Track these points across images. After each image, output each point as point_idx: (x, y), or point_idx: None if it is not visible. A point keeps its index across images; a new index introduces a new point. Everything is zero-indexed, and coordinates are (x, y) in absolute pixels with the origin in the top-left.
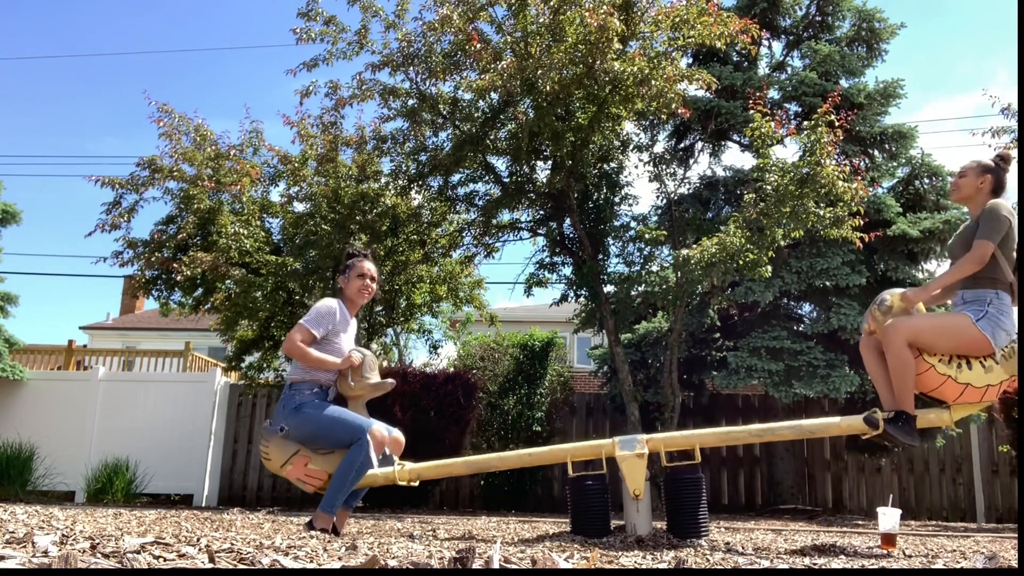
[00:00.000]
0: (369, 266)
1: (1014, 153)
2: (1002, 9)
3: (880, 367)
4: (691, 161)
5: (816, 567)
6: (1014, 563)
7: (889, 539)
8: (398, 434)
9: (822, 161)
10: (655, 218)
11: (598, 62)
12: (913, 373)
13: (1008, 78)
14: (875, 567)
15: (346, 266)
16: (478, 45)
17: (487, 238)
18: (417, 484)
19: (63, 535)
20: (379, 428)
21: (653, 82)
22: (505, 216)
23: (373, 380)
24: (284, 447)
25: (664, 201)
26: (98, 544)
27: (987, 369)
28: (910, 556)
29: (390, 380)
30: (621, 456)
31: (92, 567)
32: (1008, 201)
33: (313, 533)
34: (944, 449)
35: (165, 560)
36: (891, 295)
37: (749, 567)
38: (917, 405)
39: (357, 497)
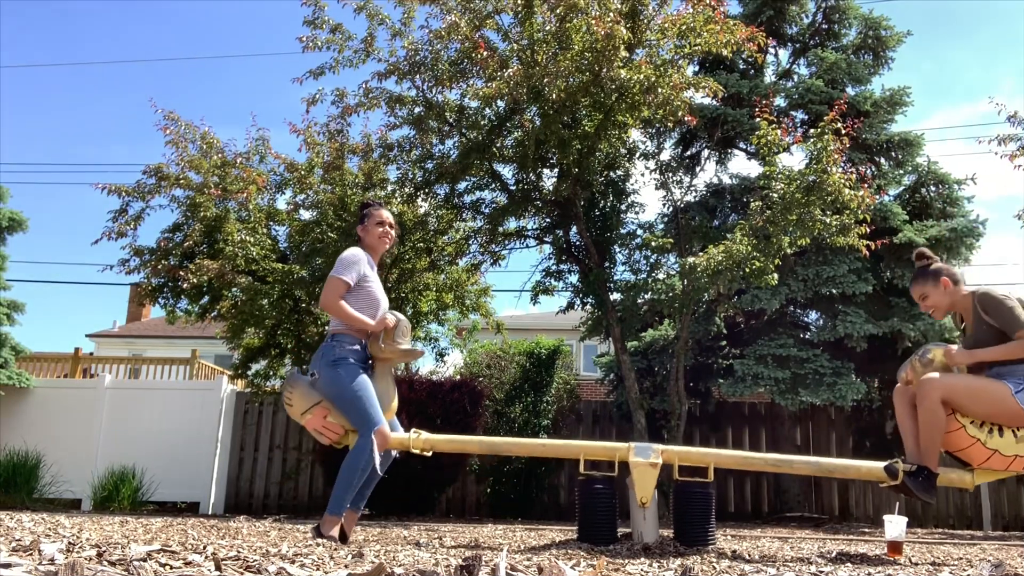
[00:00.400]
0: (386, 213)
1: (925, 250)
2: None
3: (910, 418)
4: (697, 169)
5: (823, 575)
6: (1020, 571)
7: (895, 547)
8: (401, 432)
9: (828, 169)
10: (661, 226)
11: (604, 70)
12: (943, 431)
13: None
14: (882, 575)
15: (364, 215)
16: (484, 53)
17: (493, 246)
18: (430, 454)
19: (69, 543)
20: (386, 428)
21: (659, 90)
22: (511, 224)
23: (404, 346)
24: (308, 395)
25: (670, 209)
26: (104, 552)
27: (1019, 440)
28: (916, 564)
29: (420, 347)
30: (635, 462)
31: (99, 575)
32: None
33: (319, 541)
34: (950, 457)
35: (171, 568)
36: (935, 349)
37: (756, 575)
38: (940, 462)
39: (364, 499)
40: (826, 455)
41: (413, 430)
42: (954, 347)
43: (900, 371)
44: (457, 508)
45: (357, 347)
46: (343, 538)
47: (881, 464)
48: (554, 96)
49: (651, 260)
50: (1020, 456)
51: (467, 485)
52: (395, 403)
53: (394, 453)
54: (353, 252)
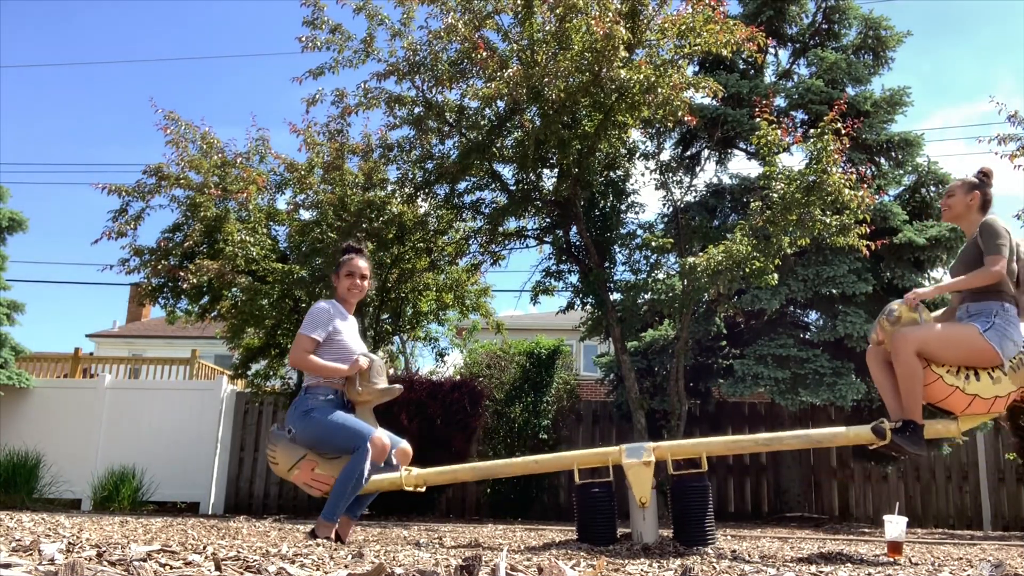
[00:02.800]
0: (360, 264)
1: (991, 169)
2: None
3: (887, 377)
4: (697, 169)
5: (822, 575)
6: (1020, 571)
7: (895, 547)
8: (405, 445)
9: (828, 169)
10: (661, 226)
11: (604, 70)
12: (921, 382)
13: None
14: (882, 575)
15: (338, 263)
16: (484, 53)
17: (493, 246)
18: (424, 490)
19: (69, 543)
20: (381, 435)
21: (659, 90)
22: (511, 224)
23: (381, 385)
24: (291, 451)
25: (670, 209)
26: (104, 552)
27: (995, 380)
28: (916, 564)
29: (398, 386)
30: (628, 464)
31: (99, 575)
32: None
33: (320, 541)
34: (950, 457)
35: (171, 568)
36: (899, 305)
37: (755, 575)
38: (924, 416)
39: (361, 506)
40: (826, 454)
41: (404, 468)
42: (915, 290)
43: (870, 333)
44: (457, 508)
45: (331, 396)
46: (338, 543)
47: (867, 427)
48: (554, 96)
49: (651, 260)
50: (1000, 396)
51: (467, 485)
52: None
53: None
54: (319, 307)
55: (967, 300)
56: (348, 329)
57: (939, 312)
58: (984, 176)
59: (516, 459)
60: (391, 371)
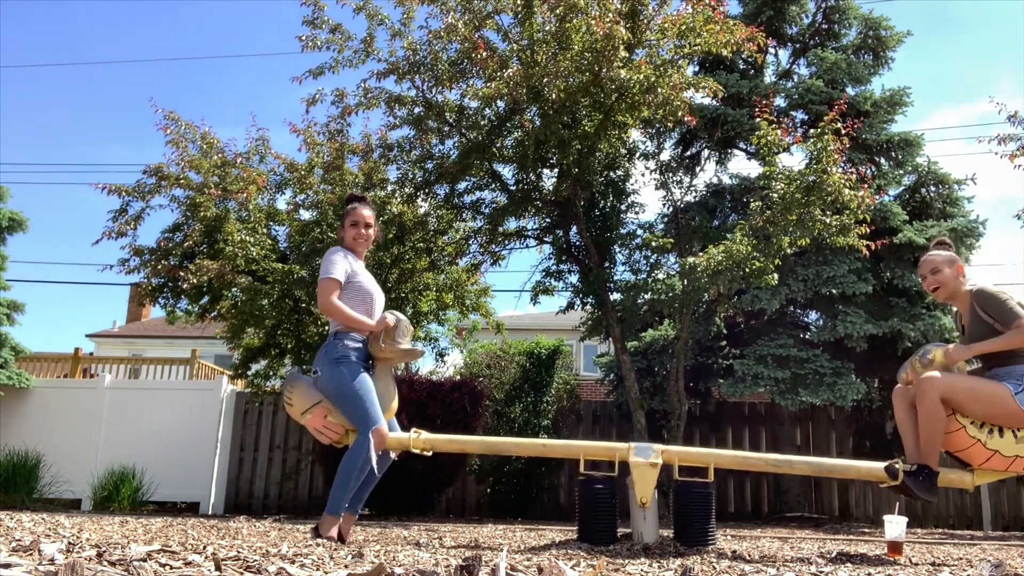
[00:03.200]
0: (364, 212)
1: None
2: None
3: (909, 419)
4: (697, 169)
5: (822, 575)
6: (1020, 571)
7: (896, 547)
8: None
9: (828, 169)
10: (661, 226)
11: (604, 70)
12: (943, 430)
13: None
14: (882, 575)
15: (342, 215)
16: (484, 53)
17: (493, 246)
18: (430, 454)
19: (69, 543)
20: (384, 428)
21: (659, 90)
22: (511, 224)
23: (404, 346)
24: (308, 394)
25: (670, 209)
26: (104, 552)
27: (1019, 440)
28: (916, 564)
29: (420, 348)
30: (634, 462)
31: (99, 575)
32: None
33: (319, 541)
34: (950, 457)
35: (171, 568)
36: (935, 349)
37: (756, 575)
38: (940, 462)
39: (361, 501)
40: (826, 455)
41: (413, 430)
42: (952, 346)
43: (900, 371)
44: (457, 508)
45: (360, 344)
46: (340, 540)
47: (881, 464)
48: (554, 96)
49: (651, 260)
50: (1020, 457)
51: (467, 485)
52: (395, 403)
53: (392, 455)
54: (332, 251)
55: (993, 365)
56: (364, 275)
57: (969, 369)
58: (949, 245)
59: (524, 439)
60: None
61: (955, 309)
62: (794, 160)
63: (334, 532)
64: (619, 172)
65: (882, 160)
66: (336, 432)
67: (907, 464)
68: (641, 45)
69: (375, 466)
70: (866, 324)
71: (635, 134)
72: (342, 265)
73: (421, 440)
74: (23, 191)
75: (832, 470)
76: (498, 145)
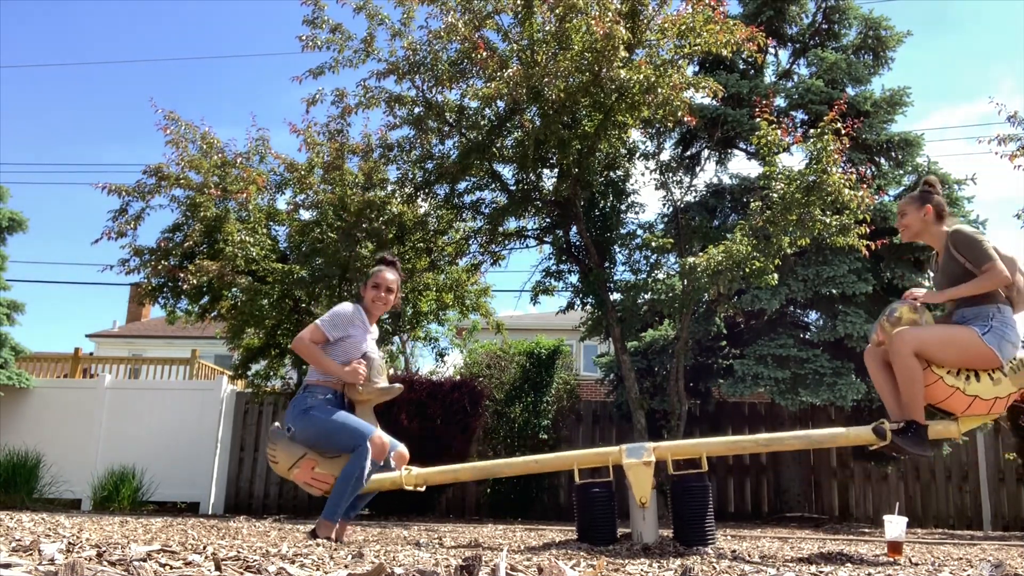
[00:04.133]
0: (388, 276)
1: (934, 178)
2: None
3: (886, 378)
4: (697, 169)
5: (822, 575)
6: (1020, 571)
7: (895, 547)
8: (403, 449)
9: (828, 169)
10: (661, 226)
11: (604, 70)
12: (922, 382)
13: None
14: (882, 575)
15: (368, 273)
16: (484, 53)
17: (493, 246)
18: (424, 489)
19: (69, 543)
20: (380, 435)
21: (659, 90)
22: (511, 224)
23: (381, 385)
24: (291, 450)
25: (670, 209)
26: (104, 552)
27: (995, 382)
28: (916, 564)
29: (398, 385)
30: (628, 464)
31: (99, 575)
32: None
33: (319, 541)
34: (950, 457)
35: (171, 568)
36: (901, 305)
37: (755, 575)
38: (880, 375)
39: (357, 508)
40: (826, 454)
41: (404, 467)
42: (919, 291)
43: (870, 333)
44: (457, 508)
45: (330, 396)
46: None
47: (868, 428)
48: (554, 96)
49: (651, 260)
50: (1000, 398)
51: (467, 485)
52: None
53: (393, 463)
54: (345, 309)
55: (961, 306)
56: (366, 338)
57: (938, 316)
58: (929, 187)
59: (516, 459)
60: (391, 371)
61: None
62: (794, 160)
63: (331, 536)
64: (619, 172)
65: (882, 160)
66: (326, 482)
67: (893, 423)
68: (641, 45)
69: (367, 467)
70: (866, 324)
71: (635, 134)
72: (342, 328)
73: (413, 476)
74: (23, 191)
75: (822, 440)
76: (498, 145)
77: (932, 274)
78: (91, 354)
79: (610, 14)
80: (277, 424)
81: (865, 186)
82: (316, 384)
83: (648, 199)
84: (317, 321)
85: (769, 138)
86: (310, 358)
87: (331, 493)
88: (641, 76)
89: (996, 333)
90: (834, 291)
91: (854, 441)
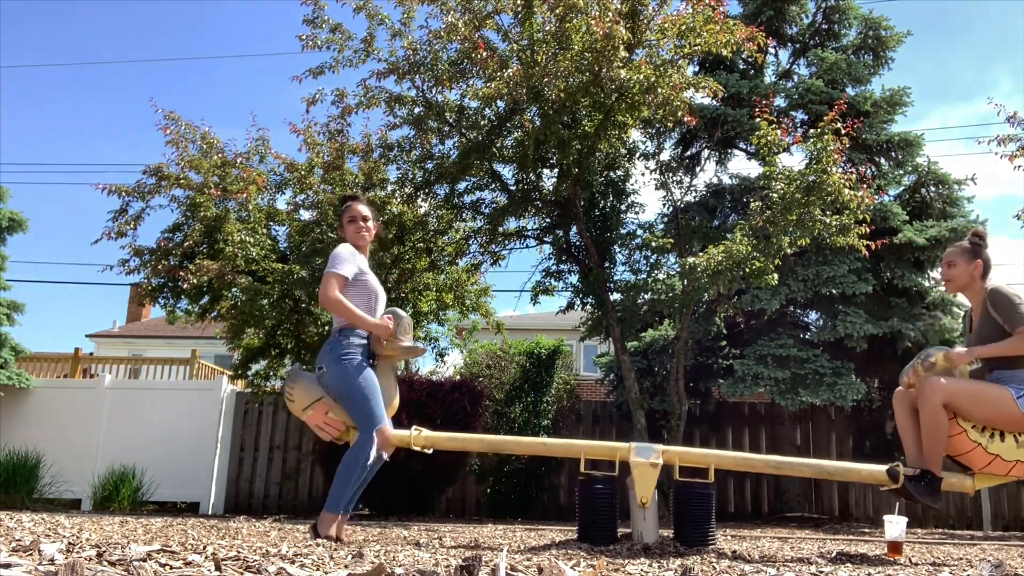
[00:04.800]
0: (360, 208)
1: (983, 230)
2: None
3: (911, 423)
4: (697, 169)
5: (822, 575)
6: (1020, 571)
7: (895, 547)
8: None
9: (828, 169)
10: (661, 226)
11: (604, 70)
12: (946, 434)
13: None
14: (882, 575)
15: (340, 212)
16: (484, 53)
17: (493, 246)
18: (431, 452)
19: (69, 543)
20: (388, 427)
21: (659, 90)
22: (511, 224)
23: (406, 343)
24: (309, 391)
25: (670, 209)
26: (104, 552)
27: (1020, 445)
28: (916, 564)
29: (422, 345)
30: (635, 462)
31: (99, 575)
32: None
33: (319, 541)
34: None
35: (171, 568)
36: (937, 352)
37: (755, 575)
38: (906, 420)
39: (353, 502)
40: (826, 455)
41: (414, 427)
42: (955, 349)
43: (902, 375)
44: (457, 508)
45: (365, 341)
46: (337, 540)
47: (883, 468)
48: (554, 96)
49: (651, 260)
50: (1021, 461)
51: (467, 485)
52: (396, 401)
53: (384, 456)
54: (344, 247)
55: (996, 368)
56: (370, 274)
57: (971, 369)
58: (980, 239)
59: (526, 438)
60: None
61: (967, 305)
62: (794, 160)
63: (333, 530)
64: (619, 172)
65: (882, 160)
66: (337, 428)
67: (909, 468)
68: (641, 45)
69: (372, 456)
70: (866, 324)
71: (635, 134)
72: (351, 261)
73: (422, 438)
74: (23, 191)
75: (833, 473)
76: (498, 145)
77: (966, 331)
78: (91, 354)
79: (610, 14)
80: (297, 365)
81: (865, 186)
82: (350, 327)
83: (648, 199)
84: (329, 269)
85: (769, 138)
86: (340, 310)
87: (333, 485)
88: (641, 76)
89: None
90: (834, 291)
91: (866, 479)
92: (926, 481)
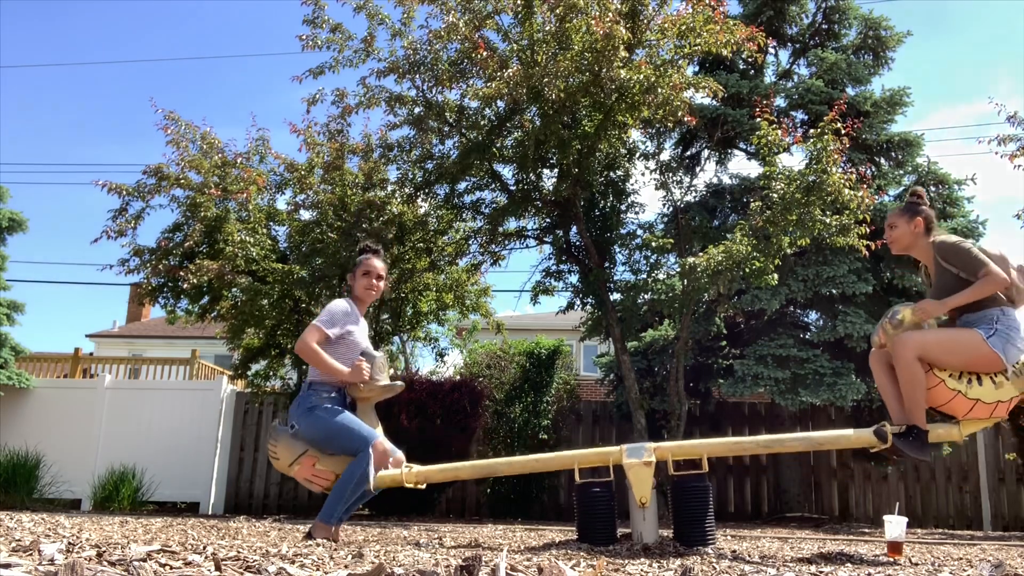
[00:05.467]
0: (376, 264)
1: (921, 189)
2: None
3: (890, 381)
4: (697, 169)
5: (822, 575)
6: (1020, 571)
7: (895, 547)
8: (400, 456)
9: (828, 169)
10: (661, 226)
11: (604, 70)
12: (924, 387)
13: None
14: (882, 575)
15: (355, 263)
16: (484, 53)
17: (493, 246)
18: (424, 487)
19: (69, 543)
20: (382, 441)
21: (659, 90)
22: (511, 224)
23: (383, 382)
24: (292, 446)
25: (670, 209)
26: (104, 552)
27: (997, 385)
28: (916, 564)
29: (399, 383)
30: (628, 464)
31: (99, 575)
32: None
33: (319, 541)
34: (950, 457)
35: (171, 568)
36: (904, 308)
37: (755, 575)
38: (884, 378)
39: (349, 513)
40: (826, 455)
41: (404, 465)
42: (926, 301)
43: (872, 335)
44: (457, 508)
45: (335, 394)
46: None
47: (869, 430)
48: (554, 96)
49: (651, 260)
50: (1002, 401)
51: (467, 485)
52: (379, 431)
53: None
54: (339, 304)
55: (963, 313)
56: (359, 332)
57: (940, 322)
58: (918, 198)
59: (517, 457)
60: (391, 371)
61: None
62: (794, 160)
63: (327, 538)
64: (619, 172)
65: (882, 160)
66: (327, 479)
67: (895, 426)
68: (641, 45)
69: (372, 480)
70: (866, 324)
71: (635, 134)
72: (341, 323)
73: (413, 475)
74: (23, 191)
75: (823, 442)
76: (498, 145)
77: (925, 286)
78: (91, 354)
79: (610, 14)
80: (278, 420)
81: (865, 186)
82: (320, 382)
83: (648, 199)
84: (315, 322)
85: (769, 138)
86: (314, 361)
87: (329, 495)
88: (641, 76)
89: (1001, 336)
90: (834, 291)
91: (855, 444)
92: (913, 435)
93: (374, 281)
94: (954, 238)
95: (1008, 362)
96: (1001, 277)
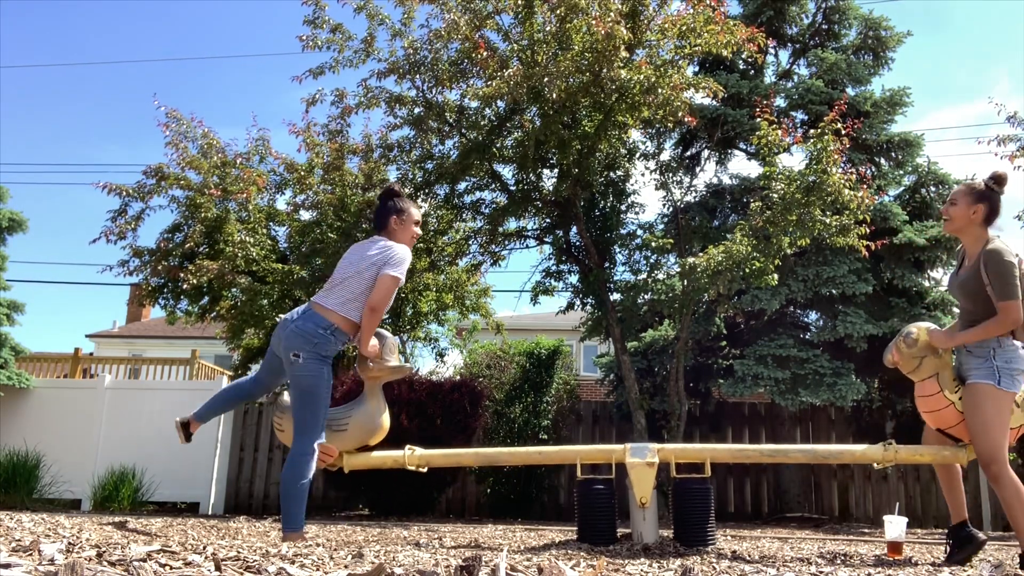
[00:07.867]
0: (420, 214)
1: (1005, 173)
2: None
3: (948, 472)
4: (697, 169)
5: (822, 575)
6: (1020, 571)
7: (895, 547)
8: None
9: (828, 169)
10: (661, 226)
11: (604, 70)
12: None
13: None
14: (882, 575)
15: (400, 208)
16: (484, 53)
17: (493, 246)
18: (425, 470)
19: (69, 543)
20: (326, 444)
21: (659, 90)
22: (511, 224)
23: (392, 363)
24: None
25: (670, 209)
26: (104, 552)
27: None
28: (916, 564)
29: (408, 364)
30: (631, 463)
31: (99, 575)
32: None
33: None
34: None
35: (171, 568)
36: (918, 329)
37: (756, 575)
38: (933, 440)
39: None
40: None
41: (407, 447)
42: (935, 330)
43: (886, 353)
44: (457, 508)
45: (343, 346)
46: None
47: (878, 447)
48: (554, 96)
49: (651, 260)
50: (1012, 428)
51: (467, 485)
52: (387, 423)
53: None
54: (409, 255)
55: (967, 325)
56: None
57: (947, 327)
58: (996, 183)
59: (519, 448)
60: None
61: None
62: (794, 160)
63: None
64: (619, 172)
65: (882, 160)
66: (330, 454)
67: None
68: (641, 45)
69: (311, 471)
70: (866, 324)
71: (635, 134)
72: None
73: (416, 457)
74: (23, 191)
75: (827, 456)
76: (498, 145)
77: (950, 276)
78: (91, 354)
79: (611, 14)
80: (284, 392)
81: (865, 186)
82: (341, 329)
83: (648, 199)
84: (395, 272)
85: (769, 138)
86: (376, 321)
87: (283, 503)
88: (641, 76)
89: (1004, 373)
90: (834, 291)
91: (860, 460)
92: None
93: (418, 232)
94: (1005, 252)
95: (1018, 392)
96: (1014, 318)
